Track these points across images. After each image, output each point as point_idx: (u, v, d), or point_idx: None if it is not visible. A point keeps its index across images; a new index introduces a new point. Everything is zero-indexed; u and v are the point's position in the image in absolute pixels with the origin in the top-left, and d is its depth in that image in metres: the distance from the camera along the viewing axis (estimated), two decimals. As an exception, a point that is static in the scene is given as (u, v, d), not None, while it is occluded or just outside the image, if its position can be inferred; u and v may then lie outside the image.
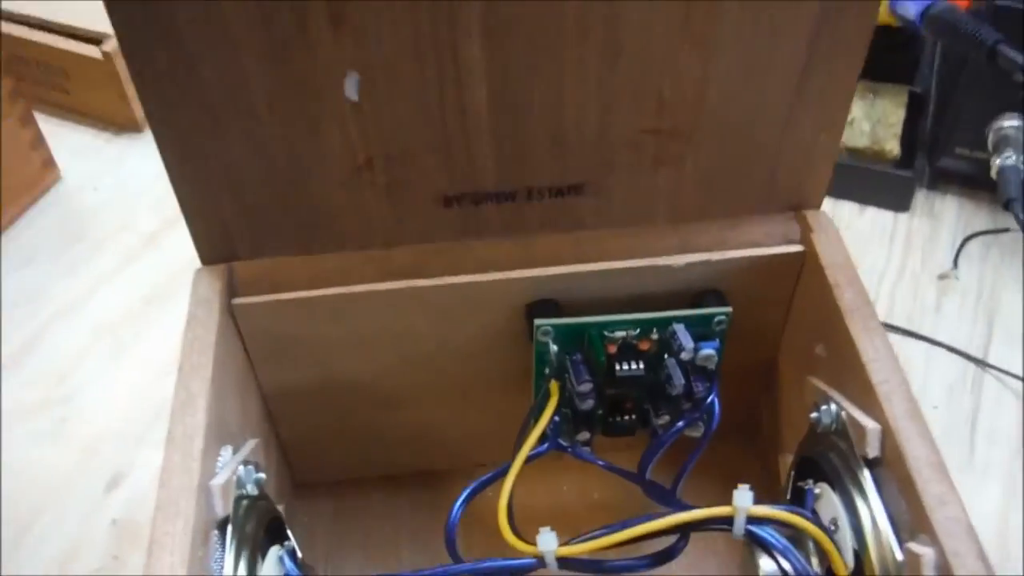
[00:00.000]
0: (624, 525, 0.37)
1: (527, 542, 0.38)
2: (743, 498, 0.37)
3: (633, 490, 0.52)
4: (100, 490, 0.55)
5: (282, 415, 0.50)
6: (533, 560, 0.38)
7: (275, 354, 0.46)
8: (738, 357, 0.48)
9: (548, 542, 0.37)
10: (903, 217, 0.71)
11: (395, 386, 0.49)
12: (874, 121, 0.70)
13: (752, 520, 0.37)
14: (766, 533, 0.37)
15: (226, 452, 0.40)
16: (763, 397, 0.54)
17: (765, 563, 0.40)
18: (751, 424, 0.55)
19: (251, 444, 0.43)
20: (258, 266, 0.45)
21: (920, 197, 0.72)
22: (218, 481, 0.37)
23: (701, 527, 0.38)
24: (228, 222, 0.43)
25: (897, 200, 0.72)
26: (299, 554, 0.42)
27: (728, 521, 0.37)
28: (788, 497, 0.44)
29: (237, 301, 0.44)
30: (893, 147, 0.70)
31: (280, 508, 0.45)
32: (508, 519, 0.40)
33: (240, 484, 0.39)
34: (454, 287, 0.45)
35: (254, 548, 0.37)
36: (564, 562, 0.38)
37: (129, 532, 0.53)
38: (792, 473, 0.44)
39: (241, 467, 0.39)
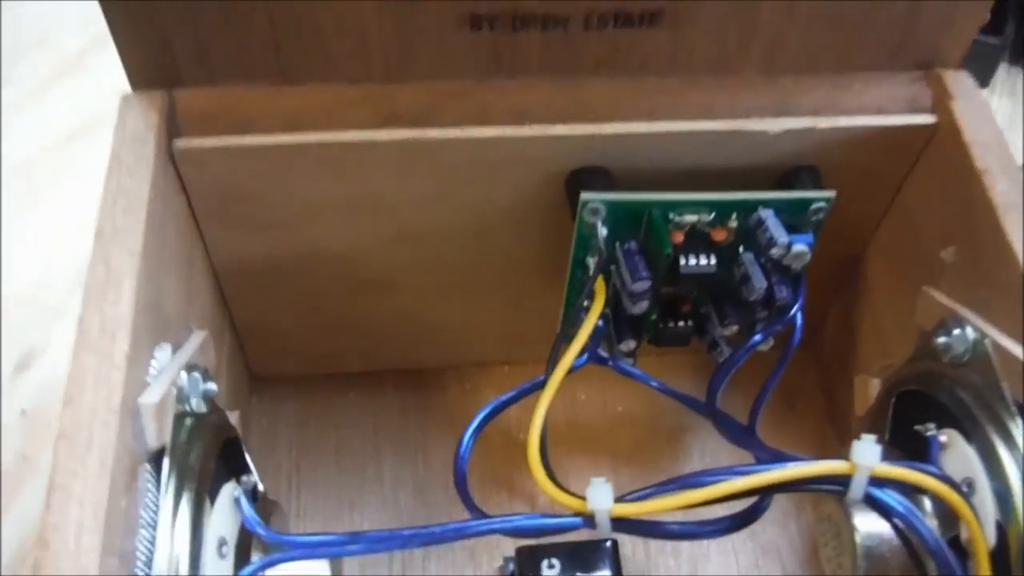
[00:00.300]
0: (701, 478, 0.28)
1: (569, 491, 0.29)
2: (868, 452, 0.27)
3: (665, 404, 0.43)
4: (7, 373, 0.44)
5: (239, 297, 0.39)
6: (579, 520, 0.28)
7: (232, 218, 0.35)
8: (817, 252, 0.38)
9: (601, 497, 0.28)
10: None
11: (386, 266, 0.38)
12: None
13: (874, 481, 0.28)
14: (888, 497, 0.28)
15: (162, 353, 0.29)
16: (834, 302, 0.44)
17: (864, 520, 0.31)
18: (809, 331, 0.46)
19: (197, 339, 0.32)
20: (211, 96, 0.33)
21: (1002, 72, 0.61)
22: (150, 398, 0.26)
23: (802, 486, 0.28)
24: (168, 29, 0.31)
25: (977, 71, 0.60)
26: (260, 487, 0.32)
27: (842, 481, 0.28)
28: (887, 437, 0.35)
29: (181, 143, 0.32)
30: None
31: (235, 421, 0.35)
32: (542, 459, 0.30)
33: (182, 399, 0.28)
34: (475, 143, 0.33)
35: (200, 488, 0.27)
36: (620, 523, 0.28)
37: (41, 425, 0.43)
38: (891, 407, 0.35)
39: (184, 375, 0.29)
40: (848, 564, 0.31)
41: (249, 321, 0.41)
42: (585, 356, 0.35)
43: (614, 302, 0.36)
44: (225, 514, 0.28)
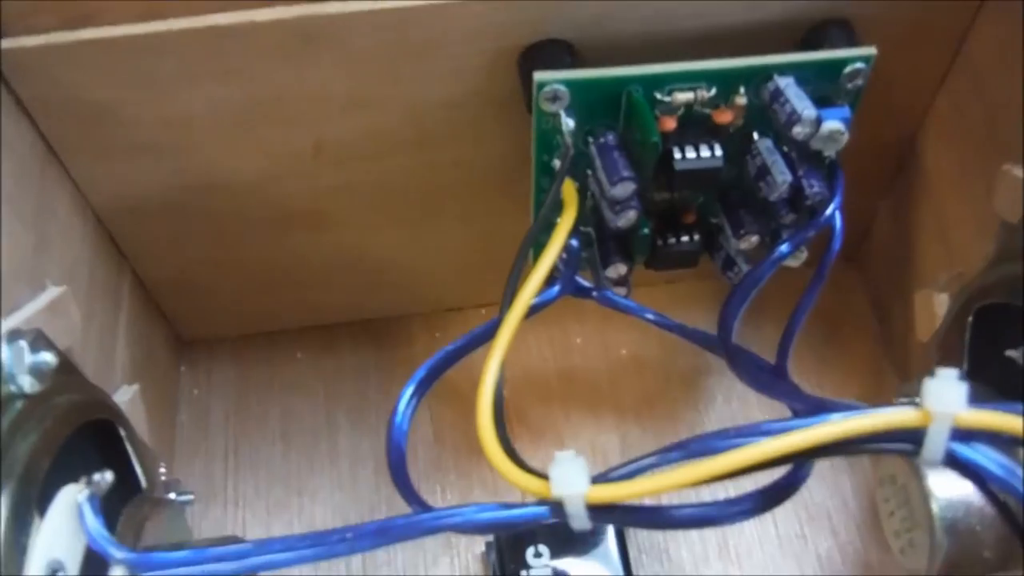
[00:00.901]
0: (713, 442, 0.20)
1: (532, 471, 0.21)
2: (947, 394, 0.19)
3: (679, 342, 0.35)
4: None
5: (136, 246, 0.32)
6: (542, 511, 0.20)
7: (98, 144, 0.27)
8: (856, 134, 0.29)
9: (570, 478, 0.20)
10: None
11: (311, 193, 0.31)
12: None
13: (957, 434, 0.19)
14: (980, 455, 0.20)
15: (-24, 318, 0.22)
16: (883, 202, 0.35)
17: (943, 483, 0.23)
18: (851, 240, 0.37)
19: (45, 297, 0.24)
20: (41, -17, 0.25)
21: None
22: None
23: (855, 448, 0.20)
24: None
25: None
26: (143, 483, 0.25)
27: (912, 436, 0.20)
28: (966, 368, 0.27)
29: (7, 44, 0.24)
30: None
31: (128, 397, 0.28)
32: (497, 427, 0.22)
33: (5, 379, 0.21)
34: (389, 16, 0.25)
35: (23, 493, 0.20)
36: (599, 511, 0.20)
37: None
38: (968, 329, 0.27)
39: (6, 348, 0.21)
40: (923, 540, 0.24)
41: (159, 276, 0.33)
42: (557, 287, 0.27)
43: (595, 217, 0.28)
44: (62, 529, 0.21)
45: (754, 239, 0.28)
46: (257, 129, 0.28)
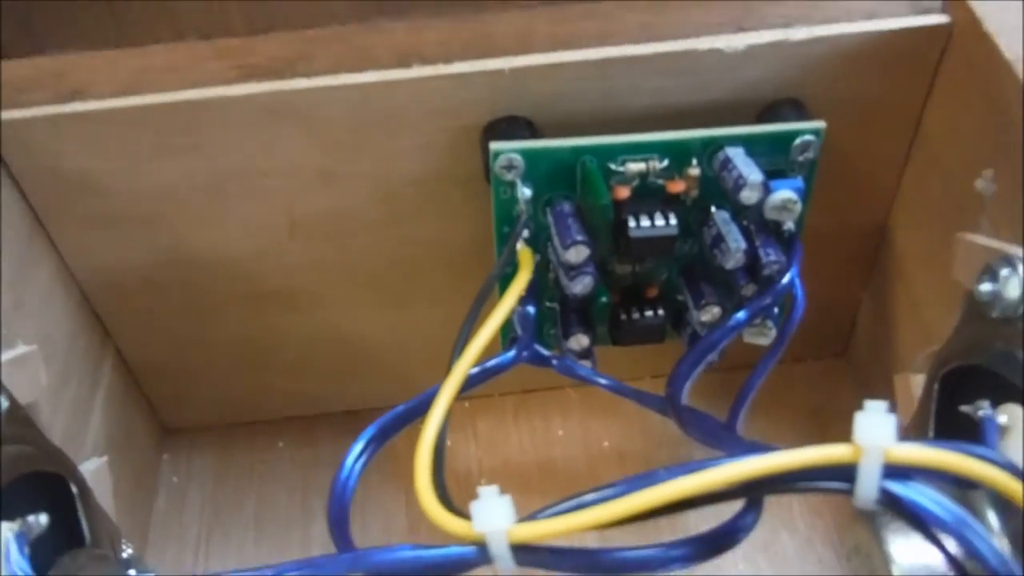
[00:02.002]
0: (644, 480, 0.19)
1: (457, 511, 0.21)
2: (877, 427, 0.19)
3: (662, 433, 0.35)
4: None
5: (118, 324, 0.33)
6: (467, 551, 0.20)
7: (78, 214, 0.29)
8: (822, 222, 0.30)
9: (493, 515, 0.20)
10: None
11: (285, 271, 0.32)
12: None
13: (892, 471, 0.19)
14: (921, 495, 0.19)
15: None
16: (864, 294, 0.35)
17: (906, 548, 0.22)
18: (838, 334, 0.37)
19: (9, 353, 0.25)
20: (36, 65, 0.27)
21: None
22: None
23: (787, 485, 0.20)
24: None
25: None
26: (88, 536, 0.25)
27: (846, 474, 0.19)
28: (932, 434, 0.26)
29: (4, 116, 0.26)
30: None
31: (94, 468, 0.28)
32: (435, 474, 0.22)
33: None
34: (353, 91, 0.27)
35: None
36: (526, 553, 0.20)
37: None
38: (935, 394, 0.26)
39: (-44, 383, 0.22)
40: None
41: (142, 357, 0.34)
42: (514, 351, 0.27)
43: (558, 290, 0.29)
44: (-14, 566, 0.21)
45: (716, 310, 0.28)
46: (231, 202, 0.29)
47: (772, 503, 0.23)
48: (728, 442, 0.22)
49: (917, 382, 0.29)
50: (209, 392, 0.36)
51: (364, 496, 0.34)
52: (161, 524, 0.35)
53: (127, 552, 0.29)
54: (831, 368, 0.37)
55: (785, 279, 0.27)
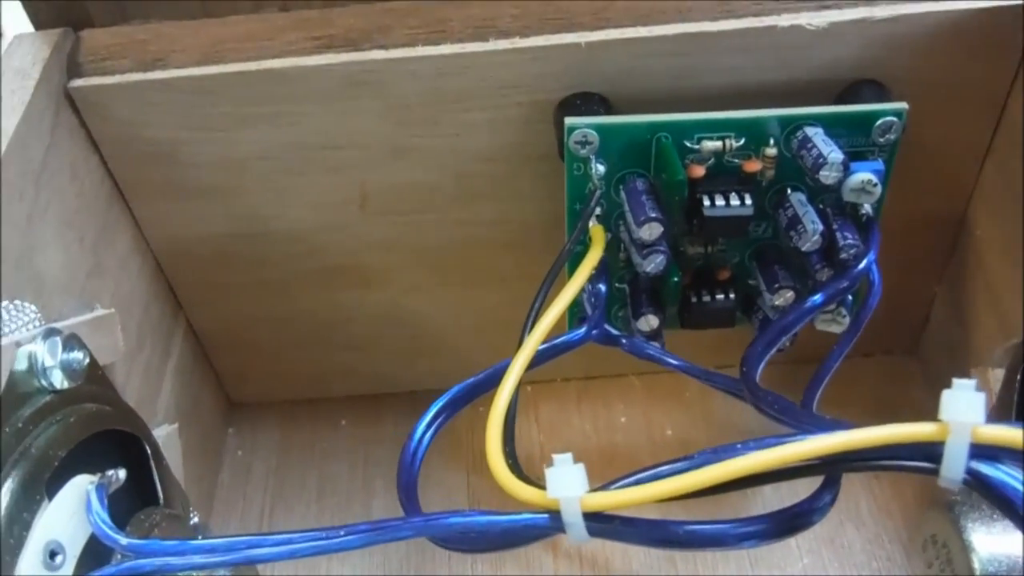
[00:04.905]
0: (723, 453, 0.19)
1: (531, 481, 0.20)
2: (965, 405, 0.18)
3: (725, 422, 0.34)
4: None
5: (190, 294, 0.33)
6: (540, 518, 0.20)
7: (154, 183, 0.29)
8: (898, 211, 0.29)
9: (567, 482, 0.19)
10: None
11: (355, 245, 0.32)
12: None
13: (980, 452, 0.18)
14: (1011, 477, 0.18)
15: (21, 312, 0.23)
16: (939, 287, 0.34)
17: (986, 538, 0.22)
18: (910, 329, 0.36)
19: (91, 314, 0.26)
20: (121, 33, 0.28)
21: None
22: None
23: (867, 462, 0.19)
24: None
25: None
26: (161, 495, 0.25)
27: (930, 454, 0.18)
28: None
29: (78, 83, 0.27)
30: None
31: (165, 433, 0.29)
32: (505, 444, 0.22)
33: (36, 371, 0.22)
34: (425, 63, 0.27)
35: (34, 475, 0.20)
36: (599, 522, 0.20)
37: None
38: (1017, 386, 0.25)
39: (40, 342, 0.22)
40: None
41: (211, 329, 0.34)
42: (583, 329, 0.27)
43: (629, 271, 0.28)
44: (68, 515, 0.21)
45: (789, 294, 0.28)
46: (304, 175, 0.29)
47: (839, 497, 0.22)
48: (807, 420, 0.22)
49: (996, 377, 0.28)
50: (275, 367, 0.36)
51: (425, 476, 0.34)
52: (225, 496, 0.35)
53: (194, 520, 0.30)
54: (900, 364, 0.36)
55: (862, 264, 0.26)
